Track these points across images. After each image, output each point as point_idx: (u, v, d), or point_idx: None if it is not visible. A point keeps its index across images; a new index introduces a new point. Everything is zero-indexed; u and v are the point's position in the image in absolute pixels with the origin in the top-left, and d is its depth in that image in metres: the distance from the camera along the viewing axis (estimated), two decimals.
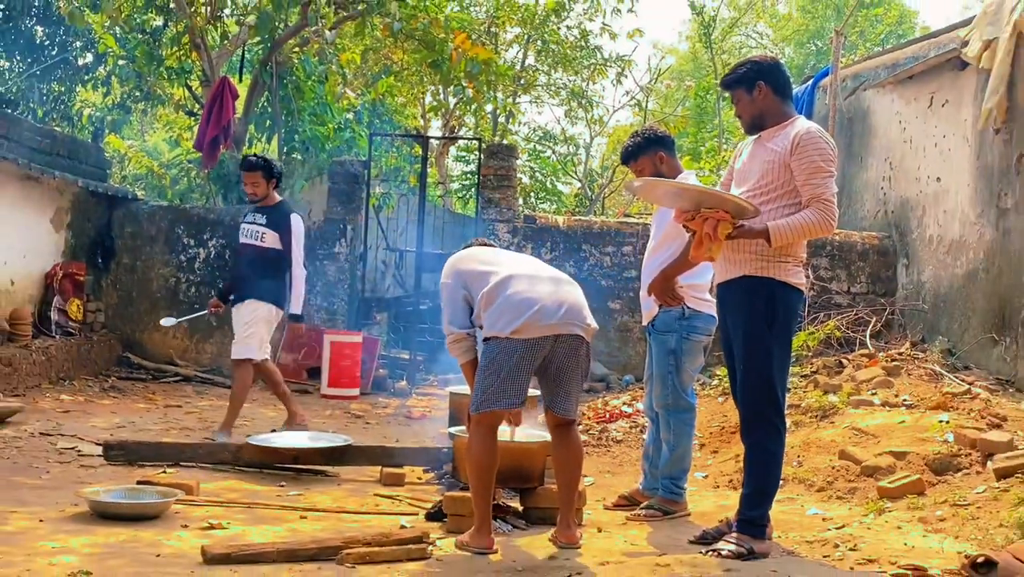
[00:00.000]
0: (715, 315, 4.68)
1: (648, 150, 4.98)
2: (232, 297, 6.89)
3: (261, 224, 6.78)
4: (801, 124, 4.07)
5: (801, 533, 4.51)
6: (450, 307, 4.25)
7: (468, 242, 4.75)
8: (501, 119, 18.03)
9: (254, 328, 6.72)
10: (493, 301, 4.10)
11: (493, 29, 16.47)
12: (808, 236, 3.97)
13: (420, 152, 12.78)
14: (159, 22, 12.42)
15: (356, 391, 9.40)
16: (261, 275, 6.72)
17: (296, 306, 6.86)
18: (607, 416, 7.70)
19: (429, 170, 13.70)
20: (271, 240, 6.75)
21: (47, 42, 13.74)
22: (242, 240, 6.87)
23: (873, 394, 6.72)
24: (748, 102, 4.14)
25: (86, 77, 13.95)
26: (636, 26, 40.46)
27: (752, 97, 4.12)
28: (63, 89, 14.03)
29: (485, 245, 4.68)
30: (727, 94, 4.34)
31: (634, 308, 9.63)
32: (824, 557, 4.06)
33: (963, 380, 6.88)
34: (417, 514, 4.78)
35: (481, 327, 4.19)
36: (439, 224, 13.03)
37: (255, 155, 7.02)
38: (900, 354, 7.74)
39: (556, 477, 4.33)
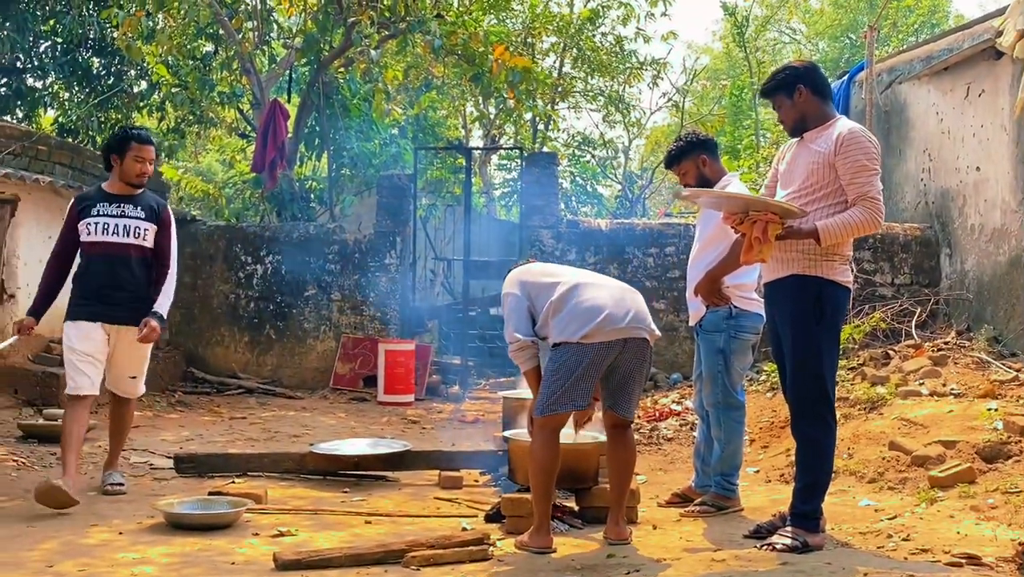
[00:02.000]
0: (762, 314, 4.68)
1: (691, 154, 4.99)
2: (114, 315, 5.18)
3: (139, 217, 5.26)
4: (844, 124, 4.07)
5: (854, 525, 4.49)
6: (515, 316, 4.30)
7: (522, 259, 4.80)
8: (540, 126, 18.08)
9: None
10: (561, 309, 4.18)
11: (529, 40, 16.52)
12: (856, 234, 3.97)
13: (463, 163, 12.87)
14: (209, 48, 12.66)
15: (411, 397, 9.51)
16: (148, 286, 5.26)
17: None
18: (657, 414, 7.71)
19: (473, 180, 13.80)
20: (151, 238, 5.27)
21: (103, 72, 14.02)
22: (108, 238, 5.19)
23: (920, 384, 6.65)
24: (789, 107, 4.15)
25: (141, 104, 14.23)
26: (670, 29, 40.39)
27: (793, 101, 4.13)
28: (120, 117, 14.30)
29: (531, 261, 4.77)
30: (767, 101, 4.34)
31: (679, 307, 9.62)
32: (878, 548, 4.04)
33: (1010, 367, 6.77)
34: (476, 516, 4.83)
35: (544, 337, 4.26)
36: (484, 232, 13.12)
37: (142, 127, 5.91)
38: (946, 343, 7.65)
39: (609, 476, 4.37)
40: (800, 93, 4.11)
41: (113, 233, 5.20)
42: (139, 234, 5.23)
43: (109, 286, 5.17)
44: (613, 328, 4.10)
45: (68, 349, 5.16)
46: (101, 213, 5.23)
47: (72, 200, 5.40)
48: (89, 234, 5.21)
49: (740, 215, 3.90)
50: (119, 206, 5.26)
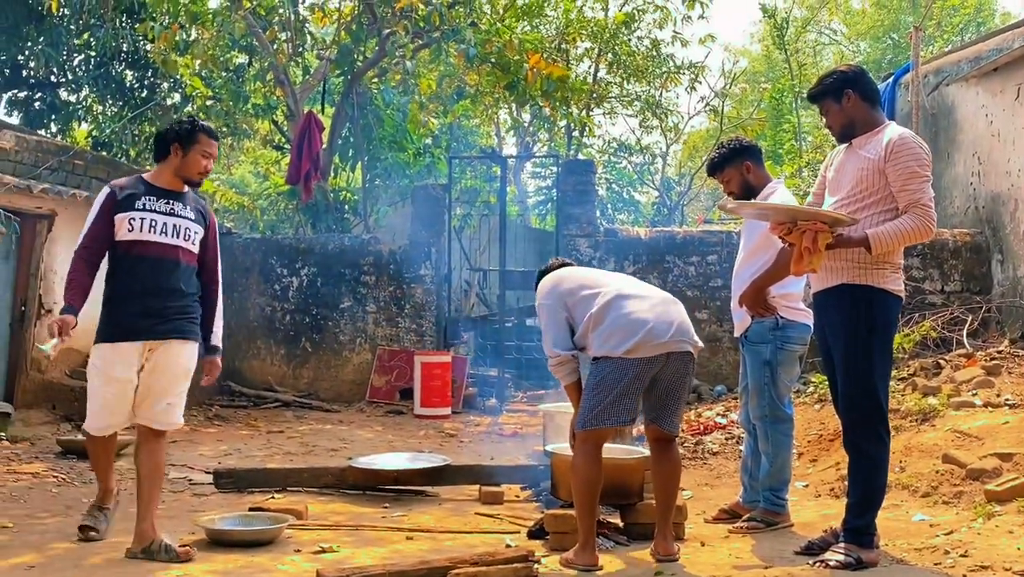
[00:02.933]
0: (809, 324, 4.65)
1: (734, 161, 4.97)
2: (156, 329, 4.43)
3: (190, 219, 4.57)
4: (894, 130, 4.04)
5: (908, 540, 4.43)
6: (552, 329, 4.28)
7: (548, 264, 4.72)
8: (576, 132, 18.08)
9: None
10: (602, 321, 4.14)
11: (564, 45, 16.55)
12: (908, 242, 3.93)
13: (498, 171, 12.91)
14: (243, 59, 12.81)
15: (448, 410, 9.54)
16: (195, 301, 4.60)
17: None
18: (701, 428, 7.66)
19: (507, 188, 13.83)
20: (199, 243, 4.61)
21: (136, 85, 14.25)
22: (156, 237, 4.45)
23: (974, 395, 6.55)
24: (837, 112, 4.12)
25: (175, 117, 14.43)
26: (707, 32, 40.27)
27: (841, 106, 4.11)
28: (154, 130, 14.52)
29: (565, 265, 4.68)
30: (815, 107, 4.31)
31: (722, 317, 9.57)
32: (935, 565, 3.98)
33: None
34: (519, 532, 4.82)
35: (583, 348, 4.23)
36: (519, 241, 13.11)
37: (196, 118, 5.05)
38: (999, 352, 7.53)
39: (655, 491, 4.34)
40: (848, 98, 4.09)
41: (162, 232, 4.43)
42: (189, 237, 4.51)
43: (153, 295, 4.41)
44: (657, 342, 4.07)
45: (99, 378, 4.40)
46: (148, 208, 4.45)
47: (106, 189, 4.51)
48: (132, 230, 4.39)
49: (788, 225, 3.89)
50: (168, 203, 4.51)
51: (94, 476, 4.97)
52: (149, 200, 4.47)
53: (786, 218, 3.91)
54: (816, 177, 4.46)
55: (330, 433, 8.31)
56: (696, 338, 4.23)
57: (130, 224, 4.40)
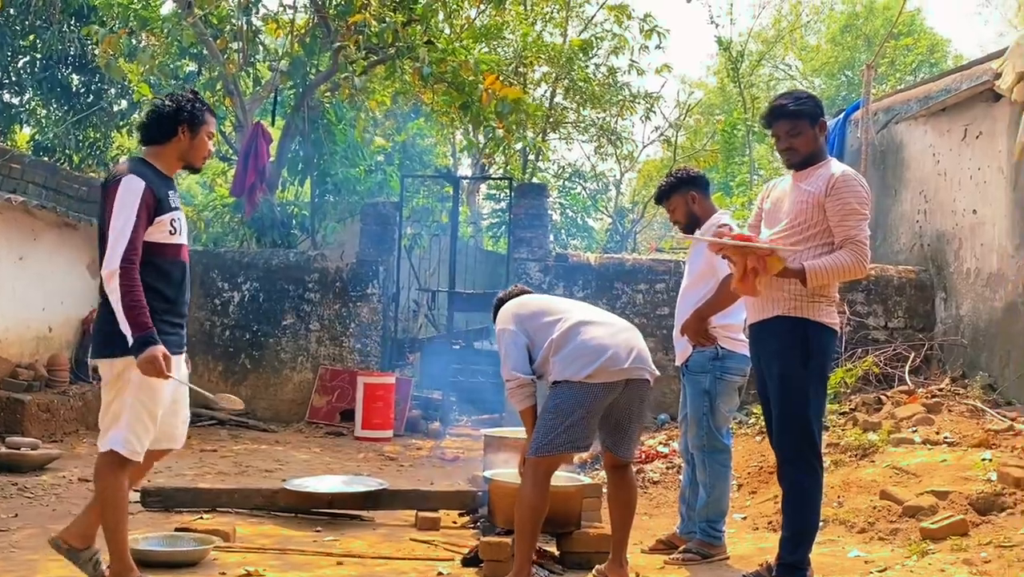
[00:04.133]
0: (748, 355, 4.68)
1: (680, 190, 5.03)
2: (183, 342, 4.08)
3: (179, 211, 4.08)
4: (836, 166, 4.09)
5: (843, 576, 4.46)
6: (513, 354, 4.27)
7: (508, 291, 4.74)
8: (531, 157, 18.17)
9: None
10: (564, 346, 4.16)
11: (521, 69, 16.64)
12: (842, 277, 3.99)
13: (451, 191, 12.90)
14: (192, 68, 12.69)
15: (390, 433, 9.46)
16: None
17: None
18: (643, 456, 7.67)
19: (460, 209, 13.82)
20: None
21: (83, 89, 14.06)
22: (184, 240, 4.06)
23: (914, 432, 6.65)
24: (811, 137, 4.10)
25: (121, 123, 14.25)
26: (664, 62, 40.78)
27: (815, 132, 4.11)
28: (99, 135, 14.32)
29: (524, 292, 4.70)
30: (779, 124, 4.14)
31: (668, 346, 9.59)
32: None
33: (1005, 416, 6.78)
34: (453, 560, 4.78)
35: (541, 376, 4.25)
36: (470, 263, 13.08)
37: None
38: (940, 390, 7.66)
39: (611, 516, 4.35)
40: (821, 126, 4.13)
41: (183, 232, 4.01)
42: (189, 233, 4.12)
43: (185, 304, 4.03)
44: (616, 368, 4.10)
45: (151, 397, 3.83)
46: (175, 206, 3.97)
47: (138, 181, 3.80)
48: (173, 233, 3.91)
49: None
50: (177, 194, 4.05)
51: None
52: (173, 196, 3.96)
53: (740, 255, 3.92)
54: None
55: (265, 454, 8.20)
56: (653, 367, 4.27)
57: (172, 226, 3.90)
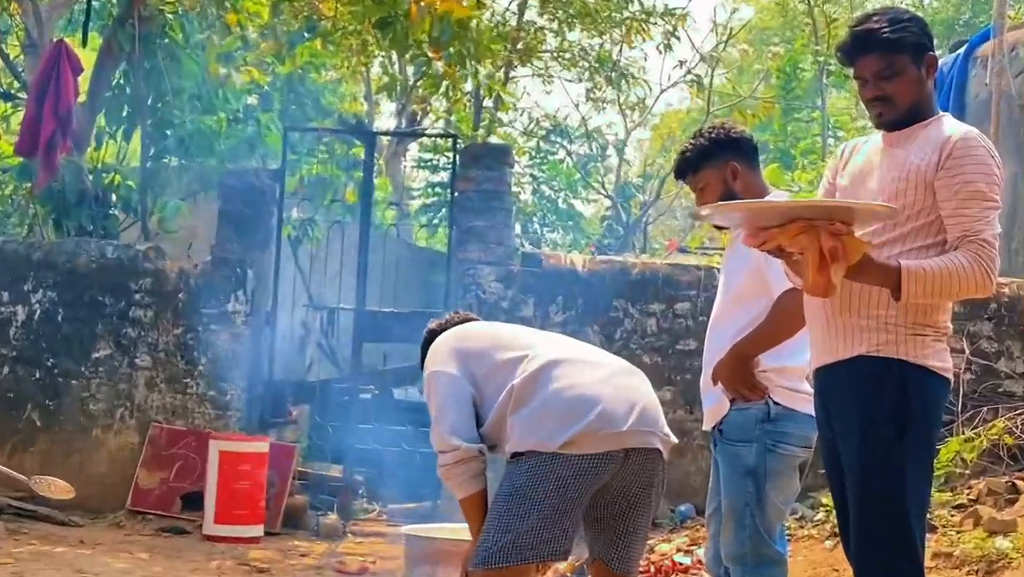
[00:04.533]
0: (814, 416, 4.68)
1: (714, 159, 4.99)
2: None
3: None
4: (952, 125, 4.04)
5: None
6: (451, 410, 4.29)
7: (445, 318, 4.77)
8: (487, 103, 18.22)
9: None
10: (529, 399, 4.18)
11: None
12: (955, 293, 3.92)
13: (362, 154, 12.88)
14: None
15: (259, 530, 9.43)
16: None
17: None
18: (654, 570, 7.71)
19: (377, 181, 13.79)
20: None
21: None
22: None
23: None
24: (914, 80, 4.04)
25: None
26: None
27: (920, 73, 4.05)
28: None
29: (469, 320, 4.74)
30: (865, 60, 4.07)
31: (694, 399, 9.65)
32: None
33: None
34: None
35: (493, 446, 4.28)
36: (391, 265, 13.08)
37: None
38: None
39: None
40: (929, 64, 4.09)
41: None
42: None
43: None
44: (611, 432, 4.13)
45: None
46: None
47: None
48: None
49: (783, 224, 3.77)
50: None
51: None
52: None
53: (812, 236, 3.77)
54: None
55: (61, 560, 8.14)
56: (668, 430, 4.31)
57: None
